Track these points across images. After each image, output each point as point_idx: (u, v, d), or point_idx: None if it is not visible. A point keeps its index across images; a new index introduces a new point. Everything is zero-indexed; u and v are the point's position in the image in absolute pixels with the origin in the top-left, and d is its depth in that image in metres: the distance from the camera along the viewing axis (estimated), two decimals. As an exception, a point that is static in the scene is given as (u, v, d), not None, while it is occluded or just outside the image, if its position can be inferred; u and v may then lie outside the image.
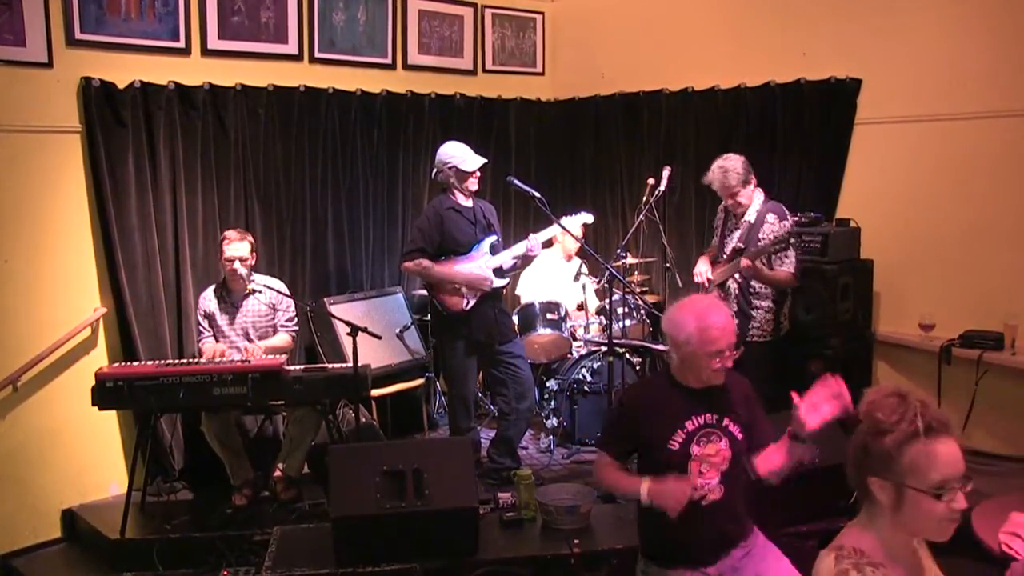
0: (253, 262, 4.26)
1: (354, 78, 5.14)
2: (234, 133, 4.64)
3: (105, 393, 3.75)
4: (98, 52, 4.13)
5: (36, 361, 4.04)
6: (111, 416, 4.31)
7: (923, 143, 4.43)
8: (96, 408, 3.80)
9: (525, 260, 4.59)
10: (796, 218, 4.53)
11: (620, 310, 5.01)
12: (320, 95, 4.96)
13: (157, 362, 3.97)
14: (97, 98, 4.11)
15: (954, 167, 4.33)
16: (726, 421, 2.50)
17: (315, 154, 5.01)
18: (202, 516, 4.04)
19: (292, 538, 3.32)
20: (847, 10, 4.64)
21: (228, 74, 4.59)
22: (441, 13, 5.57)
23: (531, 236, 4.42)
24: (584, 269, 5.51)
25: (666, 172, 4.55)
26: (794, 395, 2.30)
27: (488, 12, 5.82)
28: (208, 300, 4.29)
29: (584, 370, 4.97)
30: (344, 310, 4.67)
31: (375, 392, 4.66)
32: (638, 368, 4.97)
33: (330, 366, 4.22)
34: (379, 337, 4.16)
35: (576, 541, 3.22)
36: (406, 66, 5.42)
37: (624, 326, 5.06)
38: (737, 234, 4.14)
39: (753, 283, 4.06)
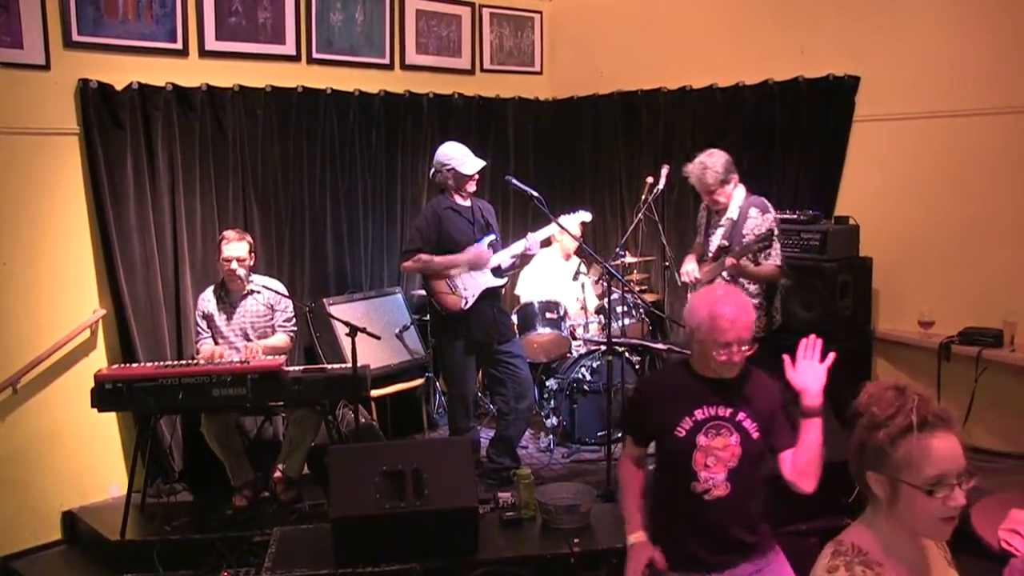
0: (252, 263, 4.25)
1: (352, 78, 5.14)
2: (232, 134, 4.64)
3: (104, 395, 3.75)
4: (96, 54, 4.13)
5: (35, 363, 4.04)
6: (111, 418, 4.31)
7: (922, 140, 4.43)
8: (95, 410, 3.80)
9: (524, 259, 4.58)
10: (796, 215, 4.55)
11: (619, 309, 5.01)
12: (318, 96, 4.96)
13: (156, 363, 3.96)
14: (95, 100, 4.11)
15: (953, 164, 4.33)
16: (740, 416, 2.43)
17: (313, 155, 5.01)
18: (202, 517, 4.04)
19: (292, 539, 3.32)
20: (845, 7, 4.64)
21: (226, 75, 4.59)
22: (439, 13, 5.57)
23: (529, 235, 4.42)
24: (583, 268, 5.52)
25: (664, 170, 4.55)
26: (785, 357, 2.37)
27: (486, 11, 5.82)
28: (206, 301, 4.29)
29: (583, 369, 4.97)
30: (343, 310, 4.67)
31: (375, 392, 4.66)
32: (637, 367, 4.96)
33: (329, 367, 4.22)
34: (378, 337, 4.16)
35: (576, 540, 3.22)
36: (404, 66, 5.42)
37: (623, 325, 5.06)
38: (721, 231, 4.10)
39: (741, 280, 4.04)
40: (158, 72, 4.34)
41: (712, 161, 4.00)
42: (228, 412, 4.21)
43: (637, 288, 5.21)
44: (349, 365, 3.91)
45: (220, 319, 4.27)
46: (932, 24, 4.34)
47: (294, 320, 4.43)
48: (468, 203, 4.38)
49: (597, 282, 5.28)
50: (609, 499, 4.03)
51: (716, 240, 4.12)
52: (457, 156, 4.29)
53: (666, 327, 5.50)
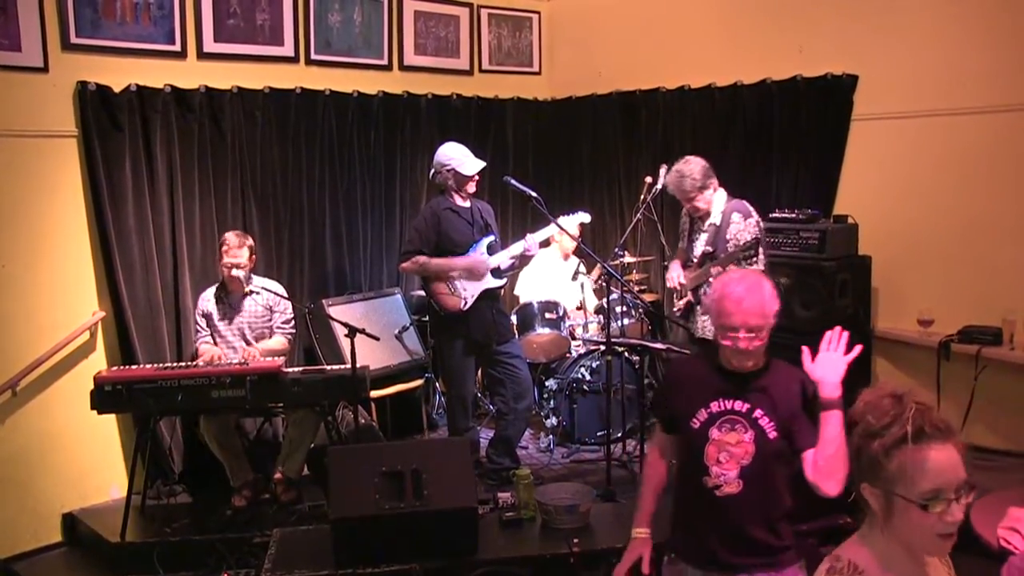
0: (252, 266, 4.26)
1: (350, 79, 5.14)
2: (231, 136, 4.64)
3: (104, 397, 3.76)
4: (94, 56, 4.13)
5: (35, 365, 4.04)
6: (111, 419, 4.31)
7: (920, 139, 4.43)
8: (95, 412, 3.80)
9: (523, 260, 4.59)
10: (795, 214, 4.54)
11: (618, 309, 5.01)
12: (317, 97, 4.96)
13: (156, 365, 3.97)
14: (93, 102, 4.11)
15: (952, 162, 4.33)
16: (757, 413, 2.31)
17: (312, 156, 5.01)
18: (202, 519, 4.04)
19: (292, 540, 3.32)
20: (843, 7, 4.64)
21: (224, 77, 4.59)
22: (437, 14, 5.57)
23: (528, 236, 4.43)
24: (582, 268, 5.52)
25: (663, 170, 4.52)
26: (805, 349, 2.26)
27: (484, 12, 5.82)
28: (207, 300, 4.30)
29: (583, 369, 4.97)
30: (342, 311, 4.67)
31: (374, 393, 4.66)
32: (637, 367, 4.97)
33: (328, 368, 4.23)
34: (377, 338, 4.17)
35: (575, 540, 3.22)
36: (402, 67, 5.42)
37: (622, 325, 5.06)
38: (704, 237, 4.08)
39: None
40: (156, 74, 4.34)
41: (689, 168, 3.99)
42: (228, 413, 4.22)
43: (636, 288, 5.21)
44: (348, 366, 3.91)
45: (219, 319, 4.27)
46: (930, 23, 4.34)
47: (292, 322, 4.44)
48: (467, 204, 4.38)
49: (596, 282, 5.28)
50: (609, 499, 4.04)
51: (700, 246, 4.10)
52: (457, 156, 4.29)
53: (665, 327, 5.50)
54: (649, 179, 4.60)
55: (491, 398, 5.00)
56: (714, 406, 2.35)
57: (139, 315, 4.33)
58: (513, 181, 4.37)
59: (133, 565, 3.76)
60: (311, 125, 4.97)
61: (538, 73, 6.21)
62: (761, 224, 4.06)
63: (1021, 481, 3.58)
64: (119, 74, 4.20)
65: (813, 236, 4.40)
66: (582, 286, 5.31)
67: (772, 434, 2.30)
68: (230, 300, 4.30)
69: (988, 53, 4.14)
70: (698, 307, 4.14)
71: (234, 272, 4.16)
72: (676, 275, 4.21)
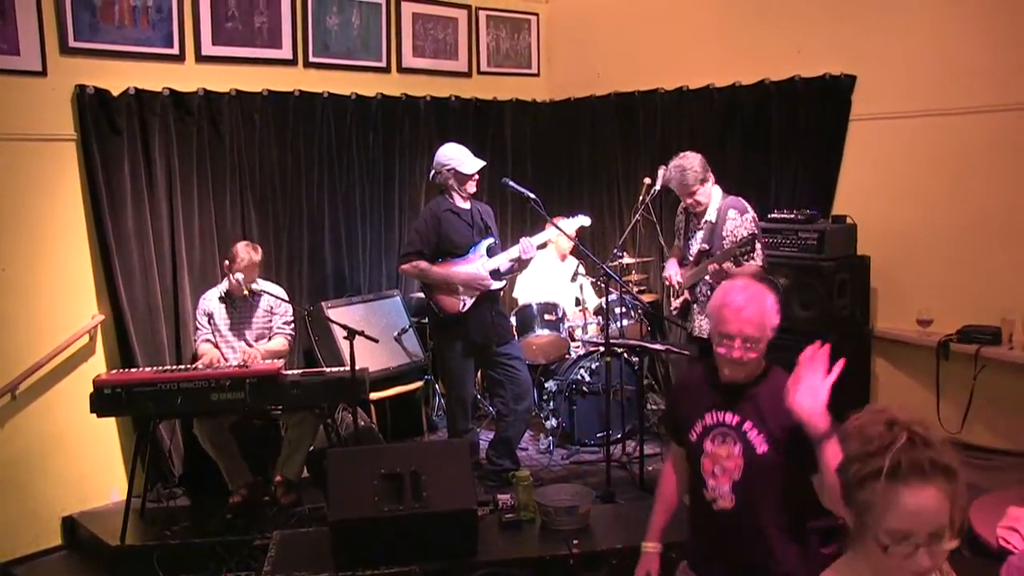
0: (258, 272, 4.28)
1: (349, 82, 5.15)
2: (229, 139, 4.65)
3: (103, 400, 3.76)
4: (92, 60, 4.14)
5: (35, 368, 4.04)
6: (111, 423, 4.32)
7: (918, 139, 4.43)
8: (95, 415, 3.80)
9: (521, 263, 4.58)
10: (794, 214, 4.54)
11: (618, 310, 5.01)
12: (315, 99, 4.97)
13: (155, 368, 3.97)
14: (92, 106, 4.11)
15: (950, 162, 4.33)
16: (746, 426, 2.23)
17: (311, 158, 5.01)
18: (202, 521, 4.04)
19: (291, 542, 3.32)
20: (841, 7, 4.64)
21: (223, 80, 4.60)
22: (435, 16, 5.57)
23: (523, 239, 4.42)
24: (581, 269, 5.52)
25: (662, 171, 4.53)
26: (789, 385, 2.07)
27: (483, 14, 5.83)
28: (209, 300, 4.30)
29: (582, 370, 4.97)
30: (342, 314, 4.68)
31: (374, 395, 4.67)
32: (636, 368, 4.97)
33: (328, 370, 4.23)
34: (376, 340, 4.17)
35: (575, 542, 3.22)
36: (401, 69, 5.43)
37: (622, 326, 5.06)
38: (700, 234, 4.09)
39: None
40: (155, 77, 4.35)
41: (688, 162, 4.02)
42: (227, 416, 4.22)
43: (635, 289, 5.21)
44: (348, 368, 3.91)
45: (220, 320, 4.28)
46: (927, 23, 4.34)
47: (292, 324, 4.44)
48: (467, 205, 4.38)
49: (595, 282, 5.28)
50: (608, 500, 4.04)
51: (696, 244, 4.11)
52: (457, 156, 4.30)
53: (664, 328, 5.50)
54: (648, 180, 4.60)
55: (491, 400, 5.00)
56: (708, 418, 2.30)
57: (138, 318, 4.33)
58: (512, 183, 4.37)
59: (133, 568, 3.76)
60: (310, 128, 4.97)
61: (536, 75, 6.22)
62: (757, 220, 4.06)
63: (1020, 481, 3.59)
64: (117, 77, 4.21)
65: (812, 236, 4.41)
66: (581, 287, 5.32)
67: (761, 448, 2.20)
68: (231, 301, 4.30)
69: (986, 52, 4.15)
70: (695, 305, 4.15)
71: (242, 284, 4.15)
72: (672, 273, 4.22)
